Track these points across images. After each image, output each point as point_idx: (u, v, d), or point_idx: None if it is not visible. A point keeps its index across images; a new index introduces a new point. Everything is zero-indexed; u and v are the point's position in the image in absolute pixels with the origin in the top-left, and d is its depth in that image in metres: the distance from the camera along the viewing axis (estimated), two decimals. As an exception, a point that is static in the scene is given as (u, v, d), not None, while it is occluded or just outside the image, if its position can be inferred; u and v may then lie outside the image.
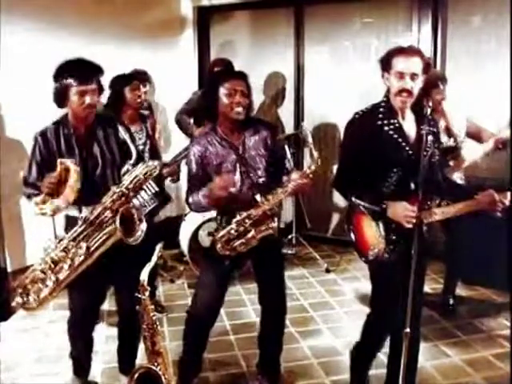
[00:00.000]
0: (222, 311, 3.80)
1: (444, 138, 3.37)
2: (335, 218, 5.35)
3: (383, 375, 2.70)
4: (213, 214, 2.81)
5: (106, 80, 2.71)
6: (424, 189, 2.23)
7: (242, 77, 2.64)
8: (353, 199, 2.44)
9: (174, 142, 5.03)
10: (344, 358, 3.22)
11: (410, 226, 2.24)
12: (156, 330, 2.32)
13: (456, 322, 3.64)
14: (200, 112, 4.02)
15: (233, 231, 2.57)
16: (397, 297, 2.33)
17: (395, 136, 2.37)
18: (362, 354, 2.71)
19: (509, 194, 2.31)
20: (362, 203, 2.40)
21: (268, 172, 2.67)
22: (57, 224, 3.17)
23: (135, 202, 3.47)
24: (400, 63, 2.31)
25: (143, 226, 2.45)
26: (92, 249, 2.44)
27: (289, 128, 5.37)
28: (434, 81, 3.28)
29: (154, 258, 2.33)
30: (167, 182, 4.01)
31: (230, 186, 2.51)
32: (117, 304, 2.83)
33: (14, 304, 2.56)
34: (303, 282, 4.42)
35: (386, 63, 2.38)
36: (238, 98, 2.55)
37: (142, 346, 2.43)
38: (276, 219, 2.59)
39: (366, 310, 2.67)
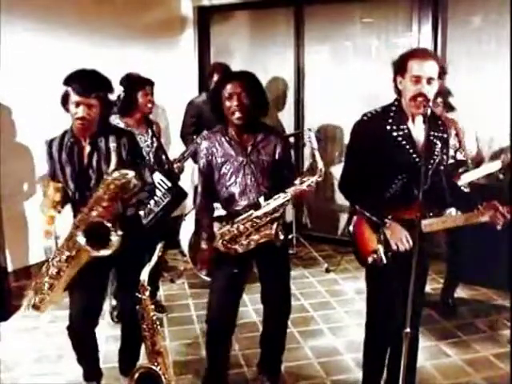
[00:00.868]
0: (222, 311, 3.81)
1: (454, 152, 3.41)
2: (335, 217, 5.34)
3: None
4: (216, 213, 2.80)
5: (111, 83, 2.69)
6: (428, 197, 2.21)
7: (241, 79, 2.59)
8: (356, 207, 2.42)
9: (174, 142, 5.03)
10: (344, 358, 3.23)
11: (401, 249, 2.26)
12: (156, 330, 2.33)
13: (456, 321, 3.64)
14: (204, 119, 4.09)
15: (234, 230, 2.56)
16: (395, 301, 2.34)
17: (403, 142, 2.32)
18: (370, 361, 2.65)
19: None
20: (365, 213, 2.38)
21: (273, 177, 2.64)
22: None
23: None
24: (416, 67, 2.23)
25: (116, 237, 2.38)
26: (71, 259, 2.45)
27: (289, 129, 5.36)
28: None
29: (155, 258, 2.33)
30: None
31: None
32: (119, 304, 2.83)
33: (24, 304, 2.55)
34: (303, 282, 4.42)
35: (400, 66, 2.30)
36: (235, 102, 2.53)
37: (142, 346, 2.43)
38: (277, 224, 2.55)
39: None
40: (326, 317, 3.79)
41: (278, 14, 5.39)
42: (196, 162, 3.71)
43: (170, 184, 3.72)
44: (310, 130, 3.06)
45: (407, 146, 2.32)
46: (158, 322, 2.34)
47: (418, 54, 2.30)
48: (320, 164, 2.55)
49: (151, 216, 3.61)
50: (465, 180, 3.43)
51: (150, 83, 3.73)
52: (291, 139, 5.05)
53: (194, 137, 4.11)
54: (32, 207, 2.61)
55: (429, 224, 2.32)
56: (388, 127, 2.33)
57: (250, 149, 2.62)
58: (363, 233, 2.43)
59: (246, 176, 2.61)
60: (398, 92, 2.36)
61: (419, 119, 2.34)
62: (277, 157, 2.64)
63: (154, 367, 2.31)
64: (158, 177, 3.65)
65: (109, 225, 2.37)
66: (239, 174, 2.62)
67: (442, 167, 2.41)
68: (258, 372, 2.95)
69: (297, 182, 2.53)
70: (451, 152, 3.30)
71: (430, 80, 2.23)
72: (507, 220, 2.25)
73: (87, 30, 4.43)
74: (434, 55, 2.32)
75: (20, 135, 4.13)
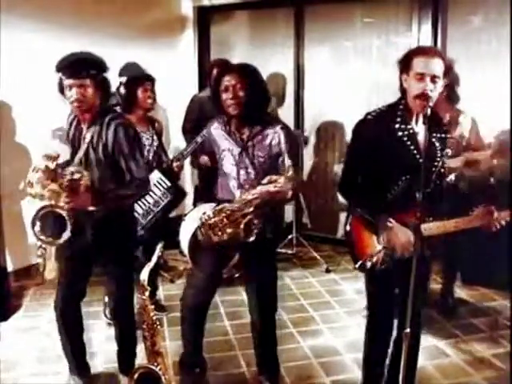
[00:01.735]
0: (222, 311, 3.81)
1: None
2: (335, 217, 5.34)
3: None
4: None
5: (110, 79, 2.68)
6: (431, 200, 2.20)
7: (239, 70, 2.57)
8: (357, 210, 2.40)
9: (174, 141, 5.03)
10: (344, 358, 3.23)
11: (405, 254, 2.23)
12: (156, 330, 2.33)
13: (456, 321, 3.64)
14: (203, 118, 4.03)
15: (214, 219, 2.54)
16: (393, 304, 2.33)
17: (408, 143, 2.28)
18: (370, 363, 2.64)
19: (507, 213, 2.23)
20: (363, 214, 2.36)
21: (270, 171, 2.58)
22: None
23: (148, 199, 3.53)
24: (420, 64, 2.18)
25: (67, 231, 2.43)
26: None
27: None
28: None
29: (154, 258, 2.33)
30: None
31: None
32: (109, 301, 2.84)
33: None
34: (303, 282, 4.41)
35: (405, 64, 2.25)
36: (231, 95, 2.52)
37: (142, 346, 2.43)
38: (247, 220, 2.49)
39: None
40: (325, 317, 3.78)
41: (278, 13, 5.39)
42: (194, 166, 3.71)
43: (169, 183, 3.69)
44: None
45: (411, 147, 2.28)
46: (158, 322, 2.34)
47: (422, 51, 2.25)
48: (287, 165, 2.46)
49: (150, 216, 3.59)
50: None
51: (150, 79, 3.71)
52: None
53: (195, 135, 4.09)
54: (30, 207, 2.59)
55: (428, 228, 2.26)
56: (392, 127, 2.28)
57: (246, 141, 2.61)
58: (361, 235, 2.41)
59: (242, 169, 2.61)
60: (403, 90, 2.30)
61: (422, 118, 2.29)
62: (273, 151, 2.58)
63: (153, 367, 2.31)
64: (156, 175, 3.63)
65: (64, 215, 2.41)
66: (236, 166, 2.62)
67: (442, 169, 2.38)
68: (258, 373, 2.95)
69: (265, 181, 2.46)
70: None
71: (434, 78, 2.19)
72: (501, 226, 2.23)
73: (87, 30, 4.43)
74: (439, 53, 2.26)
75: (19, 134, 4.12)
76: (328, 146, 5.30)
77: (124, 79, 3.58)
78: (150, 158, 3.67)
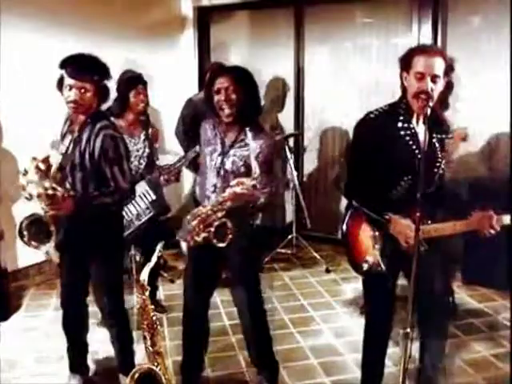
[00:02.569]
0: (222, 311, 3.81)
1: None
2: (335, 218, 5.33)
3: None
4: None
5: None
6: (433, 201, 2.20)
7: (232, 73, 2.57)
8: (357, 205, 2.37)
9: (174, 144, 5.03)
10: (344, 358, 3.23)
11: (407, 245, 2.20)
12: (156, 330, 2.32)
13: (456, 321, 3.64)
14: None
15: (191, 223, 2.53)
16: (390, 304, 2.33)
17: (410, 142, 2.26)
18: (369, 364, 2.64)
19: (506, 217, 2.20)
20: (367, 211, 2.32)
21: (243, 176, 2.56)
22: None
23: (132, 210, 3.49)
24: (420, 63, 2.16)
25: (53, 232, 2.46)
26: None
27: (289, 130, 5.35)
28: None
29: (154, 258, 2.33)
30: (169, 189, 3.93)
31: None
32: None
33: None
34: (303, 282, 4.42)
35: (405, 62, 2.23)
36: (223, 97, 2.51)
37: (142, 346, 2.43)
38: (218, 224, 2.48)
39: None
40: (325, 317, 3.79)
41: (278, 14, 5.38)
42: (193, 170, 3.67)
43: (154, 197, 3.59)
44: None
45: (413, 146, 2.27)
46: (157, 322, 2.34)
47: (423, 49, 2.23)
48: (254, 168, 2.46)
49: (131, 229, 3.50)
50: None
51: (143, 82, 3.66)
52: (291, 140, 5.05)
53: (188, 139, 4.00)
54: (23, 208, 2.59)
55: (427, 230, 2.25)
56: (393, 126, 2.27)
57: (228, 147, 2.61)
58: (357, 236, 2.39)
59: (220, 171, 2.60)
60: (404, 89, 2.28)
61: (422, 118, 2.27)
62: (252, 162, 2.53)
63: (153, 367, 2.31)
64: (142, 187, 3.55)
65: (49, 222, 2.43)
66: (215, 170, 2.62)
67: (442, 171, 2.36)
68: (257, 372, 2.95)
69: (233, 183, 2.47)
70: None
71: (434, 77, 2.17)
72: (497, 231, 2.19)
73: (87, 30, 4.43)
74: (440, 51, 2.24)
75: (15, 135, 4.11)
76: (328, 146, 5.30)
77: (117, 83, 3.53)
78: (139, 165, 3.60)
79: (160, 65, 5.04)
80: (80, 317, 2.86)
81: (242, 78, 2.58)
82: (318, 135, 5.32)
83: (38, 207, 2.48)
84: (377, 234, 2.32)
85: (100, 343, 3.31)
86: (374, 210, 2.32)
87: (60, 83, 2.53)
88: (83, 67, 2.50)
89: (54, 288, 4.12)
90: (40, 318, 3.71)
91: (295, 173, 4.74)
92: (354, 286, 4.25)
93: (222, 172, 2.60)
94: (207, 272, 2.74)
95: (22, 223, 2.46)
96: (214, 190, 2.61)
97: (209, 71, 4.25)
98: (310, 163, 5.40)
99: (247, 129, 2.53)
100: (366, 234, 2.36)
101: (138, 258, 4.00)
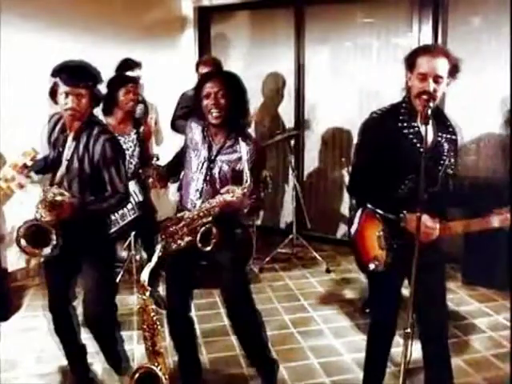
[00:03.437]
0: (222, 311, 3.81)
1: None
2: (335, 218, 5.34)
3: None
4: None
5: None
6: (436, 200, 2.17)
7: (221, 78, 2.58)
8: (368, 206, 2.36)
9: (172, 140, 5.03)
10: (344, 358, 3.23)
11: (427, 240, 2.14)
12: (156, 330, 2.33)
13: (456, 321, 3.64)
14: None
15: (172, 227, 2.54)
16: (395, 304, 2.33)
17: (414, 140, 2.25)
18: (371, 364, 2.62)
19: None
20: (378, 210, 2.30)
21: (231, 181, 2.58)
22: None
23: (119, 210, 3.45)
24: (423, 64, 2.16)
25: (54, 237, 2.45)
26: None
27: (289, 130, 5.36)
28: None
29: (155, 258, 2.33)
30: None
31: None
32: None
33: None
34: (303, 282, 4.42)
35: (409, 63, 2.23)
36: (212, 102, 2.51)
37: (142, 346, 2.43)
38: (204, 230, 2.49)
39: (366, 309, 2.67)
40: (325, 317, 3.78)
41: (278, 14, 5.39)
42: None
43: (141, 198, 3.55)
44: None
45: (417, 145, 2.26)
46: (158, 322, 2.34)
47: (427, 50, 2.23)
48: (246, 176, 2.48)
49: (115, 228, 3.41)
50: None
51: (134, 81, 3.65)
52: (291, 141, 5.06)
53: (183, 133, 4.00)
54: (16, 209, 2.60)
55: (448, 227, 2.22)
56: (396, 125, 2.27)
57: (215, 151, 2.61)
58: (366, 237, 2.38)
59: (206, 176, 2.60)
60: (408, 89, 2.29)
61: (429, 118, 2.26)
62: (238, 167, 2.57)
63: (154, 367, 2.31)
64: (131, 187, 3.47)
65: (49, 228, 2.43)
66: (201, 174, 2.61)
67: (450, 171, 2.33)
68: (257, 373, 2.94)
69: (223, 191, 2.48)
70: None
71: (436, 78, 2.17)
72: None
73: (87, 30, 4.43)
74: (444, 51, 2.23)
75: (15, 135, 4.11)
76: (328, 146, 5.30)
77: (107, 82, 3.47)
78: (128, 164, 3.56)
79: (160, 65, 5.04)
80: (69, 320, 2.82)
81: (232, 82, 2.60)
82: (319, 135, 5.32)
83: (27, 211, 2.51)
84: (386, 233, 2.30)
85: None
86: (383, 208, 2.31)
87: (53, 91, 2.53)
88: (78, 73, 2.50)
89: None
90: (40, 318, 3.71)
91: (295, 172, 4.74)
92: (354, 286, 4.25)
93: (208, 177, 2.60)
94: (186, 274, 2.73)
95: (19, 230, 2.45)
96: (200, 196, 2.60)
97: (200, 66, 4.25)
98: (310, 163, 5.40)
99: (234, 134, 2.58)
100: (375, 234, 2.34)
101: (137, 258, 3.99)
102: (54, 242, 2.44)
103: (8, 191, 2.48)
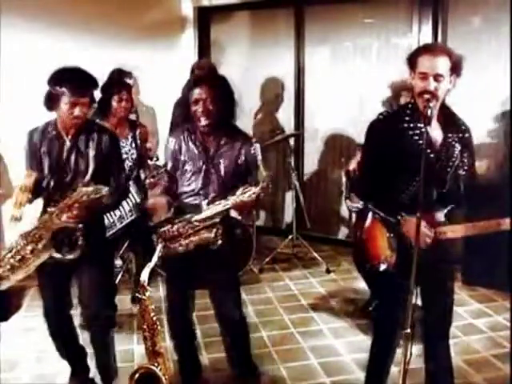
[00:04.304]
0: (222, 311, 3.80)
1: None
2: (335, 218, 5.34)
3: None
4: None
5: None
6: (446, 201, 2.16)
7: (209, 83, 2.55)
8: (369, 206, 2.36)
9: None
10: (344, 358, 3.23)
11: (423, 245, 2.15)
12: (156, 331, 2.33)
13: (456, 321, 3.64)
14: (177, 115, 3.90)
15: (174, 231, 2.55)
16: (399, 305, 2.33)
17: (420, 142, 2.23)
18: (374, 364, 2.63)
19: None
20: (378, 212, 2.30)
21: (234, 183, 2.57)
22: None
23: (116, 212, 3.44)
24: (424, 63, 2.16)
25: (82, 242, 2.46)
26: (36, 251, 2.49)
27: (289, 130, 5.35)
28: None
29: (155, 258, 2.33)
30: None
31: (160, 210, 2.58)
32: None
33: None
34: (303, 282, 4.41)
35: (411, 62, 2.22)
36: (200, 108, 2.51)
37: (142, 346, 2.43)
38: (216, 229, 2.51)
39: (369, 307, 2.66)
40: (325, 317, 3.78)
41: (278, 14, 5.39)
42: None
43: (138, 200, 3.54)
44: (256, 142, 2.95)
45: (423, 146, 2.21)
46: (158, 323, 2.34)
47: (428, 49, 2.22)
48: (262, 176, 2.52)
49: (113, 231, 3.42)
50: None
51: (127, 87, 3.64)
52: (291, 140, 5.05)
53: None
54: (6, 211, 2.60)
55: (443, 231, 2.23)
56: (403, 125, 2.26)
57: (212, 153, 2.61)
58: (376, 237, 2.36)
59: (206, 179, 2.60)
60: (412, 89, 2.29)
61: (434, 118, 2.26)
62: (239, 163, 2.60)
63: (154, 367, 2.31)
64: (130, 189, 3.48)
65: (77, 230, 2.44)
66: (199, 176, 2.61)
67: (462, 172, 2.30)
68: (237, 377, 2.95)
69: (238, 192, 2.47)
70: None
71: (437, 77, 2.16)
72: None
73: (87, 31, 4.44)
74: (446, 50, 2.23)
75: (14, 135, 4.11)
76: (328, 147, 5.30)
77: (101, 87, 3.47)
78: (130, 164, 3.58)
79: (160, 65, 5.04)
80: (66, 324, 2.83)
81: (220, 87, 2.59)
82: (319, 135, 5.32)
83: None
84: (392, 235, 2.30)
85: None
86: (388, 210, 2.30)
87: (52, 99, 2.49)
88: (84, 84, 2.49)
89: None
90: (40, 318, 3.67)
91: (295, 173, 4.74)
92: (354, 287, 4.25)
93: (208, 178, 2.60)
94: (185, 274, 2.73)
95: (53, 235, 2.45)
96: (205, 197, 2.59)
97: (197, 71, 4.23)
98: (310, 163, 5.40)
99: (228, 133, 2.60)
100: (385, 235, 2.33)
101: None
102: (80, 243, 2.45)
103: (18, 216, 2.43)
